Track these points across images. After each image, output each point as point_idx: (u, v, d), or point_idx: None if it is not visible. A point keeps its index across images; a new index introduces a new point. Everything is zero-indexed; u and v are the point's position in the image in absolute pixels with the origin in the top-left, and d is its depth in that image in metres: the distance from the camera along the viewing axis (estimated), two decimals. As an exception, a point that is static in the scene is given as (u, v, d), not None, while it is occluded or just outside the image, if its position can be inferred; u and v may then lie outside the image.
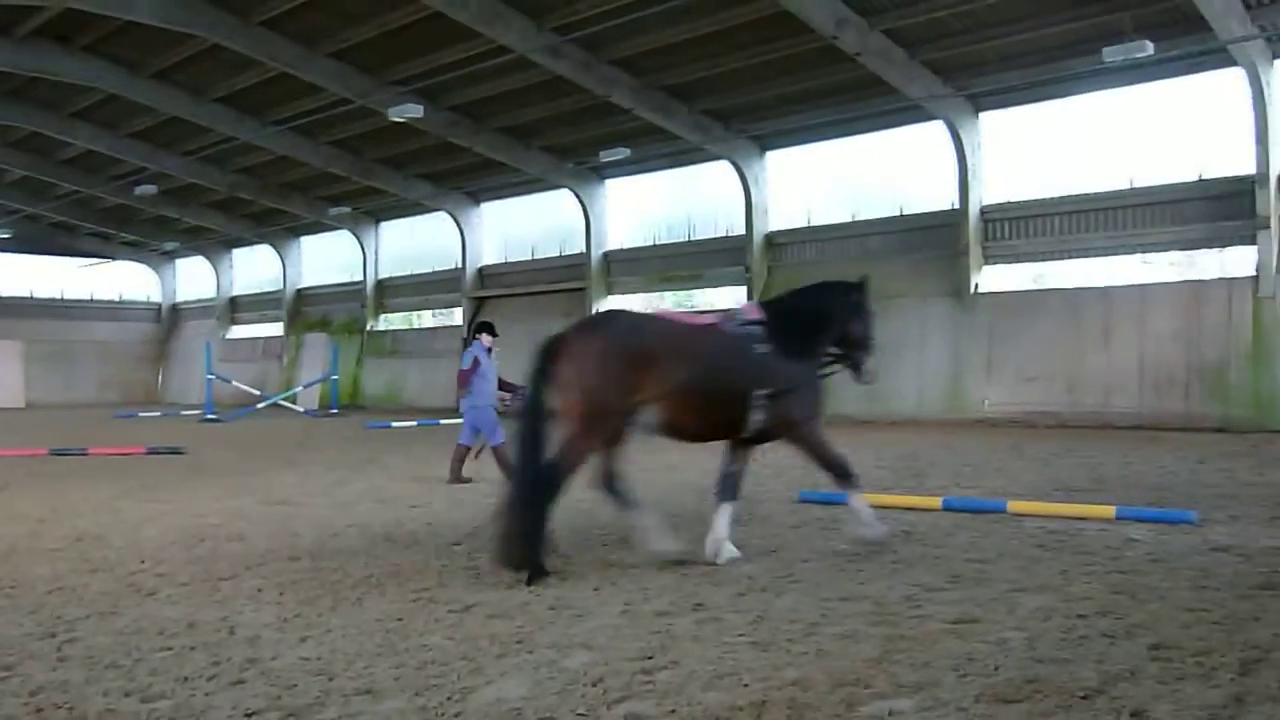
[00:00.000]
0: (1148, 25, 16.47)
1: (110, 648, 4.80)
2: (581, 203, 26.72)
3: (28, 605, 5.65)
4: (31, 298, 40.33)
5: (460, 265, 30.52)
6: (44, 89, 24.90)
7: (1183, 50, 16.76)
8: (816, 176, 23.13)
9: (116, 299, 42.68)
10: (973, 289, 20.20)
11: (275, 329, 37.91)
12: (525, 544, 5.94)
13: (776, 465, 12.63)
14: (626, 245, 26.77)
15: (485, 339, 11.81)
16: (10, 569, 6.66)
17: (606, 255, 26.95)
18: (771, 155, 23.57)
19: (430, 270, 32.23)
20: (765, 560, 6.62)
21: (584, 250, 27.04)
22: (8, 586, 6.13)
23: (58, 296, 40.90)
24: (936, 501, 8.70)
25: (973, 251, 20.18)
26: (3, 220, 35.91)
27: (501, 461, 10.84)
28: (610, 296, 27.02)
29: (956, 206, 20.48)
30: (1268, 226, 16.78)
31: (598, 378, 6.05)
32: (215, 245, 39.33)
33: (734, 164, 23.34)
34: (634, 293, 26.83)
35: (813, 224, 23.14)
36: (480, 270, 30.43)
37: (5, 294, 39.67)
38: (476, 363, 11.53)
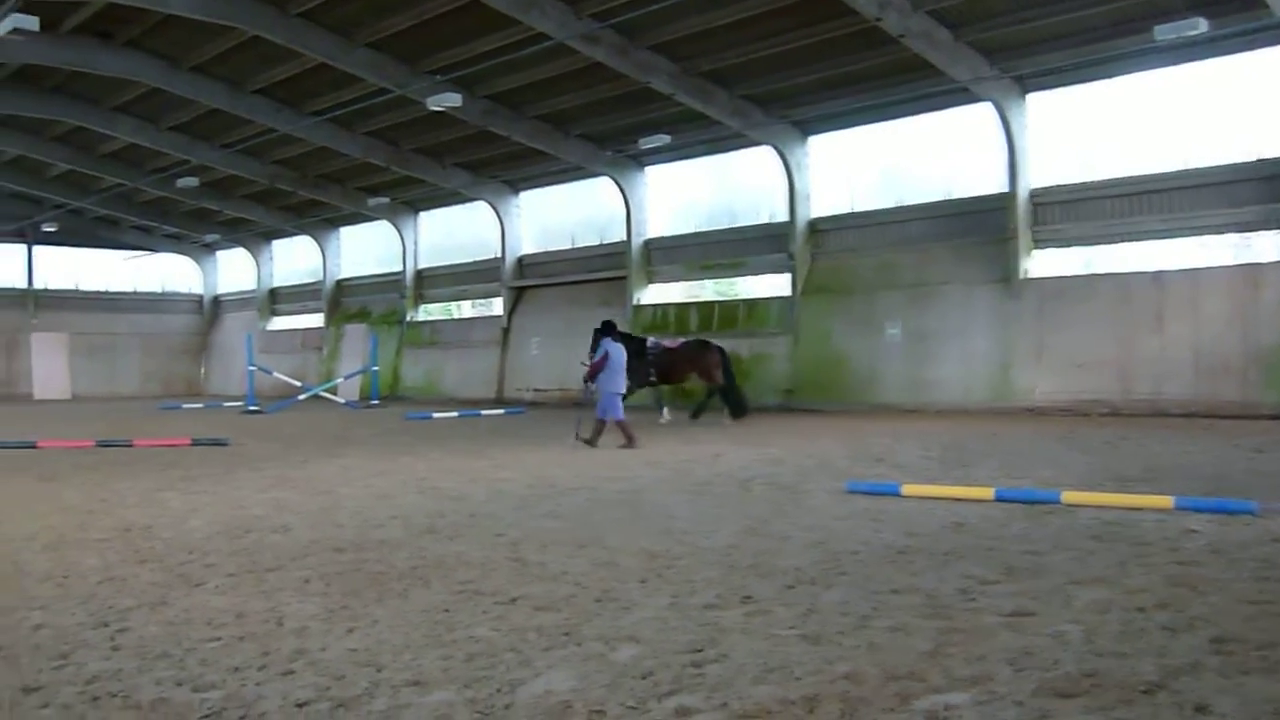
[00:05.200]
0: (1200, 2, 16.15)
1: (161, 638, 4.87)
2: (621, 190, 26.70)
3: (79, 595, 5.74)
4: (77, 290, 41.06)
5: (499, 255, 30.63)
6: (87, 84, 25.28)
7: (1237, 27, 16.42)
8: (860, 161, 22.96)
9: (159, 291, 43.30)
10: (1021, 274, 19.96)
11: (315, 320, 38.32)
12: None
13: (822, 456, 12.61)
14: (667, 233, 26.71)
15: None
16: (61, 559, 6.79)
17: (647, 243, 26.91)
18: (814, 140, 23.40)
19: (469, 260, 32.37)
20: (812, 552, 6.59)
21: (624, 239, 27.03)
22: (59, 576, 6.25)
23: (102, 289, 41.61)
24: (988, 492, 8.61)
25: (1021, 236, 19.93)
26: (48, 214, 36.63)
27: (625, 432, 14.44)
28: (650, 286, 26.99)
29: (1005, 190, 20.22)
30: (1328, 208, 16.44)
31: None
32: (255, 237, 39.78)
33: (776, 149, 23.21)
34: (674, 281, 26.79)
35: (856, 210, 22.97)
36: (520, 260, 30.51)
37: (51, 287, 40.45)
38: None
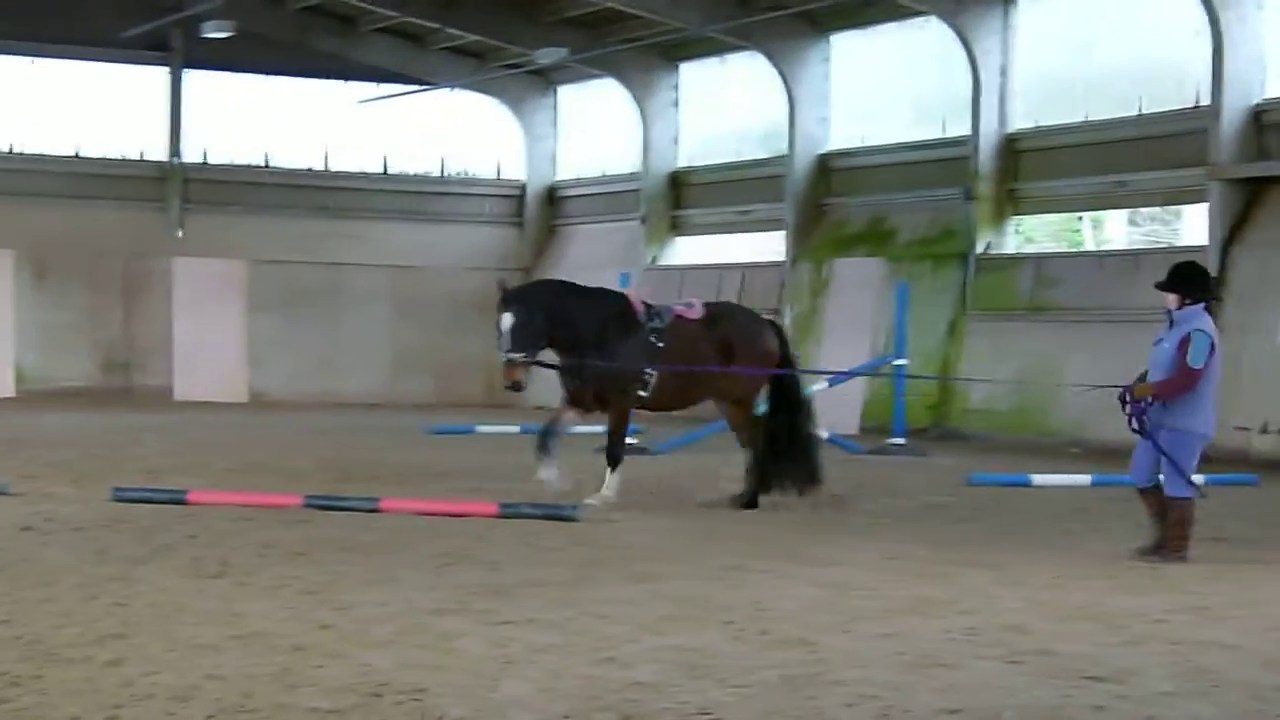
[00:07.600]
0: None
1: None
2: None
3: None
4: (266, 169, 44.88)
5: (1210, 94, 29.95)
6: None
7: None
8: None
9: (434, 175, 46.53)
10: None
11: (770, 245, 39.87)
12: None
13: None
14: None
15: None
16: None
17: None
18: None
19: (1124, 116, 32.27)
20: None
21: None
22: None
23: (312, 168, 45.28)
24: None
25: None
26: (211, 3, 39.32)
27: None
28: None
29: None
30: None
31: None
32: (641, 55, 41.96)
33: None
34: None
35: None
36: (1255, 111, 29.62)
37: (214, 162, 44.09)
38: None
